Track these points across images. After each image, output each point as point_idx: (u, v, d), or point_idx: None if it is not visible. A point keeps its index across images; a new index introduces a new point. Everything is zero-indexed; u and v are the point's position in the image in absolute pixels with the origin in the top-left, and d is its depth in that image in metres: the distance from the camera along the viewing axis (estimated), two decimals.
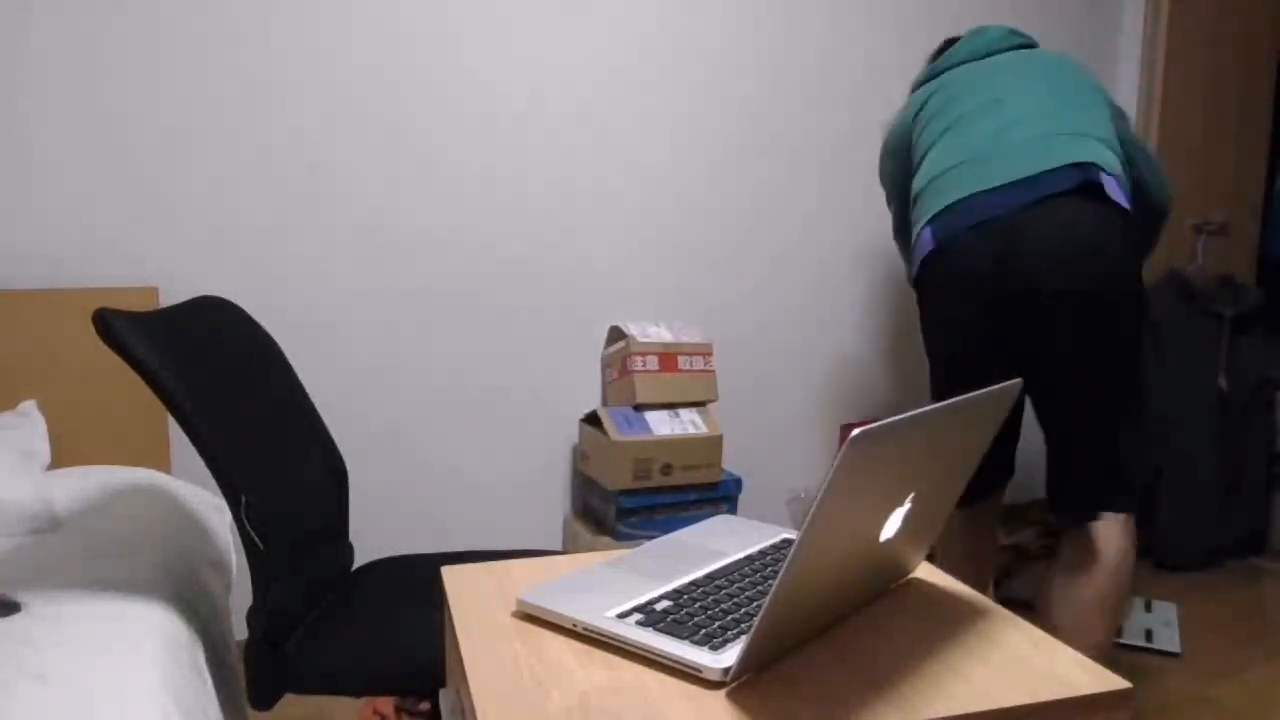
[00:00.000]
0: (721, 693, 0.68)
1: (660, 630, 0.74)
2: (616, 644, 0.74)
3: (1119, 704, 0.69)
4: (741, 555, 0.93)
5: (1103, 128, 1.62)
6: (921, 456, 0.72)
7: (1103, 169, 1.53)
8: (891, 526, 0.74)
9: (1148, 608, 2.57)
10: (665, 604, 0.79)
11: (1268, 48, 3.24)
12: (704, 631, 0.74)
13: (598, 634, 0.75)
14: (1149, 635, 2.39)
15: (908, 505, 0.75)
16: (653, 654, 0.72)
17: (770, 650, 0.71)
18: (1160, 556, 2.94)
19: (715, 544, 0.96)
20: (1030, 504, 3.48)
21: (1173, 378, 2.96)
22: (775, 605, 0.65)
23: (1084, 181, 1.51)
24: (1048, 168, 1.53)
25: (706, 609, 0.78)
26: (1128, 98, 3.29)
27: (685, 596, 0.81)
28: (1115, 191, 1.52)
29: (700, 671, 0.69)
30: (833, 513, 0.63)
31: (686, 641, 0.72)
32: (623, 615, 0.77)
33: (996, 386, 0.78)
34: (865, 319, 2.99)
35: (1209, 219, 3.13)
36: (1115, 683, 0.70)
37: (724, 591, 0.82)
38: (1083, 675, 0.71)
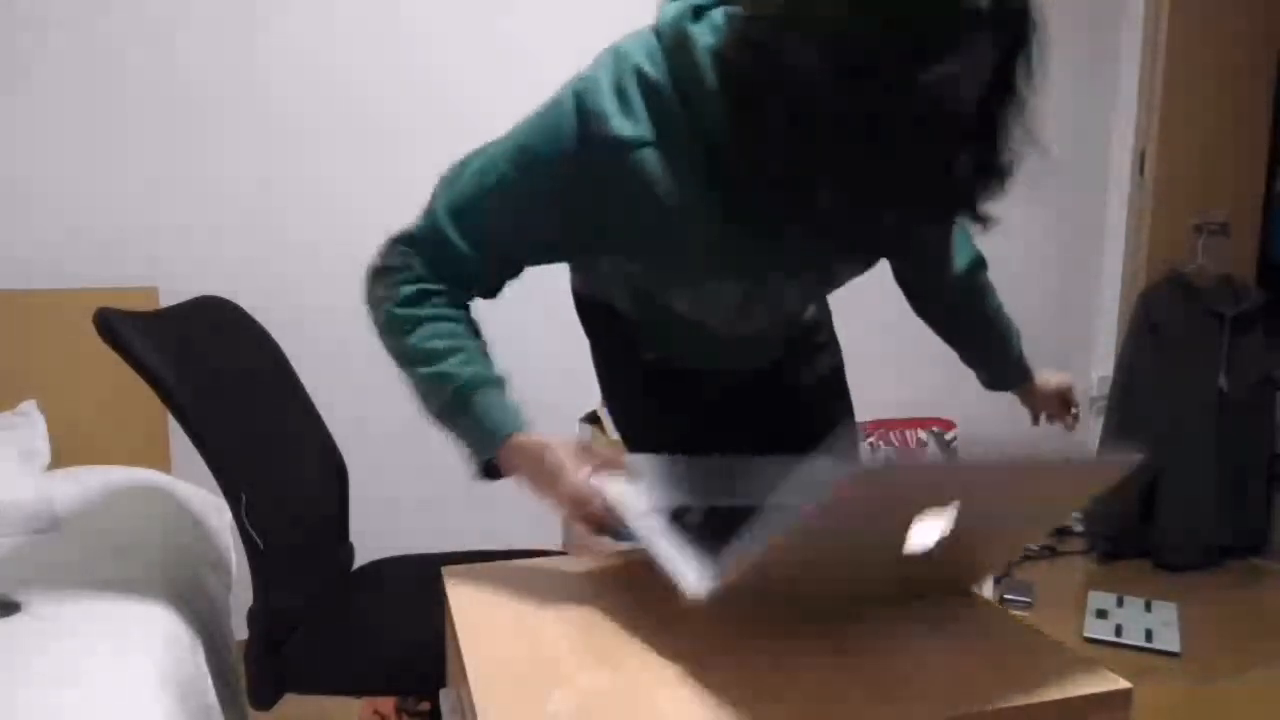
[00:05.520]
0: (722, 693, 0.67)
1: (669, 539, 0.74)
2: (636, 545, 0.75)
3: (1119, 704, 0.69)
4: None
5: None
6: (967, 497, 0.69)
7: None
8: (921, 544, 0.72)
9: (1148, 608, 2.57)
10: (697, 518, 0.79)
11: (1268, 47, 3.24)
12: (709, 555, 0.73)
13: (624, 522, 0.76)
14: (1149, 635, 2.38)
15: (946, 531, 0.72)
16: (649, 553, 0.73)
17: (753, 583, 0.70)
18: (1160, 556, 2.94)
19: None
20: None
21: (1173, 378, 2.95)
22: (758, 544, 0.64)
23: None
24: None
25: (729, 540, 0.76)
26: (1128, 98, 3.28)
27: (721, 520, 0.79)
28: None
29: (680, 585, 0.69)
30: (832, 514, 0.63)
31: (684, 557, 0.71)
32: (653, 513, 0.77)
33: (1107, 455, 0.75)
34: (870, 316, 2.98)
35: (1209, 219, 3.13)
36: (1115, 683, 0.70)
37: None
38: (1083, 675, 0.71)
